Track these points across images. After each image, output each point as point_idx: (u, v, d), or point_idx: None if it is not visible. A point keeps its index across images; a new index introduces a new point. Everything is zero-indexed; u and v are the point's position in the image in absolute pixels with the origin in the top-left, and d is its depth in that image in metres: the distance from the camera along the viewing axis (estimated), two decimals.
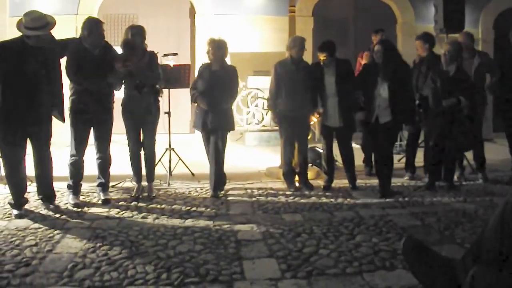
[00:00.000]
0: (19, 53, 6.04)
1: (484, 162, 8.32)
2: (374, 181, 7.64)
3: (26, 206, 6.45)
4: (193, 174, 8.42)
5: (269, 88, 7.90)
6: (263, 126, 12.41)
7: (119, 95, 7.09)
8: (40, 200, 6.69)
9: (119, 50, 7.05)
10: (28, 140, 6.35)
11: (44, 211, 6.45)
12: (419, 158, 8.49)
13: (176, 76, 8.48)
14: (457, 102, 7.24)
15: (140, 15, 12.93)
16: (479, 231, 3.37)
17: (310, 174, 8.19)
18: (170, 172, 8.29)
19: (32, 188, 6.97)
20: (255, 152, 11.11)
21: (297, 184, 7.77)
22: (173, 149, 8.52)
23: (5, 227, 5.79)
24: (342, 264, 4.64)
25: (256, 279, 4.33)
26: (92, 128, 6.83)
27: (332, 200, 7.06)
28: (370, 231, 5.63)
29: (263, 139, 12.08)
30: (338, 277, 4.38)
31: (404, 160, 8.84)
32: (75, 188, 6.84)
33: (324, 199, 7.09)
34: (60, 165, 7.04)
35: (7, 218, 6.15)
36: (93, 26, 6.66)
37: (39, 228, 5.76)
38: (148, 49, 7.16)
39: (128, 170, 7.47)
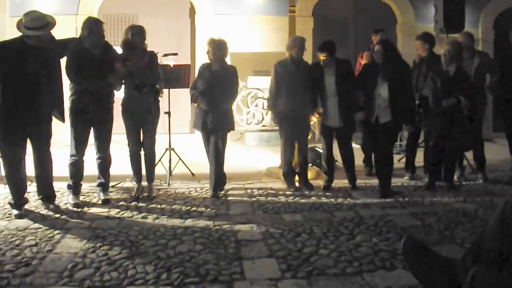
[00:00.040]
0: (19, 53, 6.04)
1: (484, 162, 8.32)
2: (374, 181, 7.64)
3: (26, 206, 6.45)
4: (193, 174, 8.42)
5: (269, 88, 7.90)
6: (263, 126, 12.41)
7: (119, 95, 7.08)
8: (40, 200, 6.69)
9: (119, 50, 7.05)
10: (28, 140, 6.35)
11: (44, 211, 6.45)
12: (419, 158, 8.49)
13: (176, 76, 8.48)
14: (457, 102, 7.24)
15: (140, 15, 12.93)
16: (479, 231, 3.37)
17: (310, 174, 8.19)
18: (170, 172, 8.29)
19: (32, 188, 6.97)
20: (255, 152, 11.12)
21: (297, 184, 7.77)
22: (173, 149, 8.52)
23: (5, 227, 5.79)
24: (342, 264, 4.64)
25: (256, 279, 4.33)
26: (92, 128, 6.83)
27: (332, 200, 7.06)
28: (370, 231, 5.63)
29: (263, 139, 12.08)
30: (338, 277, 4.38)
31: (404, 160, 8.84)
32: (75, 188, 6.84)
33: (324, 199, 7.09)
34: (60, 165, 7.04)
35: (7, 218, 6.15)
36: (93, 26, 6.66)
37: (39, 228, 5.76)
38: (148, 49, 7.16)
39: (128, 170, 7.47)
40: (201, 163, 7.89)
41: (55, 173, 6.74)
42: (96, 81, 6.60)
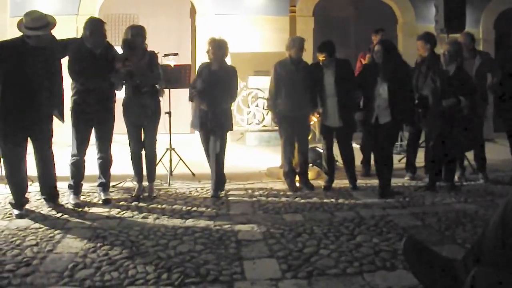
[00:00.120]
0: (20, 53, 6.04)
1: (484, 162, 8.32)
2: (375, 181, 7.64)
3: (27, 206, 6.44)
4: (193, 174, 8.42)
5: (269, 88, 7.91)
6: (264, 126, 12.42)
7: (120, 95, 7.08)
8: (44, 201, 6.70)
9: (119, 50, 7.05)
10: (29, 140, 6.35)
11: (45, 211, 6.45)
12: (420, 159, 8.49)
13: (177, 76, 8.49)
14: (457, 102, 7.24)
15: (140, 15, 12.94)
16: (480, 232, 3.37)
17: (311, 174, 8.20)
18: (171, 172, 8.29)
19: (32, 188, 6.98)
20: (255, 152, 11.12)
21: (297, 184, 7.77)
22: (173, 149, 8.53)
23: (6, 227, 5.80)
24: (343, 264, 4.64)
25: (257, 279, 4.33)
26: (93, 128, 6.83)
27: (332, 200, 7.05)
28: (370, 231, 5.63)
29: (264, 139, 12.08)
30: (339, 277, 4.38)
31: (404, 160, 8.84)
32: (76, 188, 6.84)
33: (324, 199, 7.09)
34: (61, 165, 7.04)
35: (8, 218, 6.15)
36: (95, 26, 6.67)
37: (40, 228, 5.77)
38: (149, 49, 7.16)
39: (129, 170, 7.48)
40: (202, 163, 7.89)
41: (56, 173, 6.74)
42: (98, 81, 6.61)
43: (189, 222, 6.01)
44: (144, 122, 7.07)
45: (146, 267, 4.57)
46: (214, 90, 7.11)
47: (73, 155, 6.80)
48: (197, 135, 7.81)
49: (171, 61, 8.49)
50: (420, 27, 12.71)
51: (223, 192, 7.40)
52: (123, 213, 6.40)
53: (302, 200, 7.05)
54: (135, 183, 7.34)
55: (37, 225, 5.88)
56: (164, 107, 7.63)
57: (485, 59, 8.38)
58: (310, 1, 13.52)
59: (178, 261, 4.71)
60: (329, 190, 7.61)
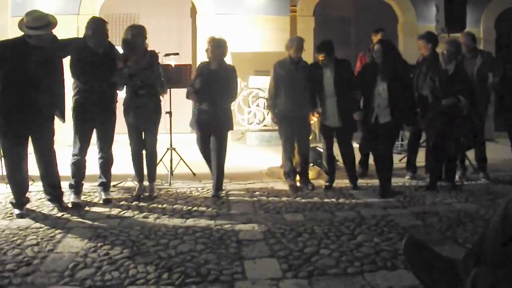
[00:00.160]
0: (21, 53, 6.04)
1: (485, 162, 8.32)
2: (375, 181, 7.63)
3: (28, 206, 6.44)
4: (194, 173, 8.42)
5: (269, 88, 7.91)
6: (264, 126, 12.41)
7: (121, 94, 7.08)
8: (45, 200, 6.70)
9: (120, 49, 7.05)
10: (31, 140, 6.36)
11: (46, 211, 6.45)
12: (421, 158, 8.49)
13: (177, 76, 8.48)
14: (457, 102, 7.24)
15: (141, 14, 12.95)
16: (481, 231, 3.36)
17: (311, 174, 8.20)
18: (171, 171, 8.29)
19: (33, 188, 6.98)
20: (256, 152, 11.12)
21: (298, 184, 7.76)
22: (174, 149, 8.54)
23: (7, 226, 5.80)
24: (343, 264, 4.64)
25: (257, 279, 4.33)
26: (94, 128, 6.83)
27: (333, 200, 7.05)
28: (371, 231, 5.62)
29: (264, 139, 12.08)
30: (339, 277, 4.38)
31: (405, 160, 8.83)
32: (76, 188, 6.84)
33: (325, 199, 7.09)
34: (62, 165, 7.04)
35: (9, 218, 6.16)
36: (97, 25, 6.67)
37: (41, 227, 5.77)
38: (149, 48, 7.15)
39: (130, 170, 7.48)
40: (202, 163, 7.86)
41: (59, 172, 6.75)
42: (100, 81, 6.61)
43: (190, 222, 6.01)
44: (141, 123, 7.06)
45: (146, 266, 4.57)
46: (213, 89, 7.10)
47: (74, 155, 6.80)
48: None
49: (172, 61, 8.49)
50: (421, 27, 12.73)
51: (223, 192, 7.39)
52: (124, 213, 6.40)
53: (303, 200, 7.05)
54: (136, 182, 7.33)
55: (37, 224, 5.88)
56: (165, 107, 7.62)
57: (487, 59, 8.38)
58: (311, 1, 13.53)
59: (178, 261, 4.71)
60: (330, 190, 7.61)
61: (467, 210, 6.51)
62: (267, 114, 12.18)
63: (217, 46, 7.21)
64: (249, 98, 12.41)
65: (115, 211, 6.47)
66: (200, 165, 7.99)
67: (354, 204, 6.85)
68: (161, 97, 7.28)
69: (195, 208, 6.59)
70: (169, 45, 11.20)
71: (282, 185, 7.86)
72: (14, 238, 5.34)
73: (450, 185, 7.61)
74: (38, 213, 6.35)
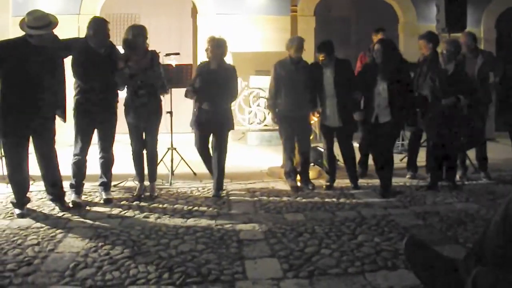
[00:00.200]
0: (22, 52, 6.04)
1: (486, 162, 8.32)
2: (376, 181, 7.62)
3: (29, 205, 6.44)
4: (195, 173, 8.42)
5: (269, 88, 7.91)
6: (265, 125, 12.40)
7: (122, 94, 7.09)
8: (47, 200, 6.70)
9: (121, 49, 7.05)
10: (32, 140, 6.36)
11: (46, 210, 6.45)
12: (421, 158, 8.49)
13: (178, 76, 8.48)
14: (457, 101, 7.24)
15: (142, 14, 12.95)
16: (482, 231, 3.36)
17: (312, 174, 8.20)
18: (172, 171, 8.29)
19: (34, 187, 6.98)
20: (257, 152, 11.12)
21: (298, 183, 7.76)
22: (175, 149, 8.53)
23: (7, 226, 5.80)
24: (344, 264, 4.64)
25: (258, 279, 4.33)
26: (95, 127, 6.83)
27: (334, 199, 7.05)
28: (372, 231, 5.62)
29: (265, 138, 12.07)
30: (340, 277, 4.38)
31: (406, 159, 8.83)
32: (77, 188, 6.84)
33: (326, 199, 7.08)
34: (63, 164, 7.03)
35: (9, 217, 6.16)
36: (98, 25, 6.67)
37: (41, 227, 5.77)
38: (150, 48, 7.15)
39: (130, 170, 7.47)
40: (203, 163, 7.87)
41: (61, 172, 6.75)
42: (101, 81, 6.61)
43: (191, 222, 6.01)
44: (142, 123, 7.06)
45: (147, 266, 4.57)
46: (213, 89, 7.10)
47: (75, 155, 6.80)
48: None
49: (173, 61, 8.48)
50: (422, 26, 12.71)
51: (224, 192, 7.39)
52: (125, 213, 6.40)
53: (304, 200, 7.05)
54: (137, 182, 7.34)
55: (38, 224, 5.88)
56: (165, 106, 7.62)
57: (487, 59, 8.37)
58: (311, 1, 13.52)
59: (179, 261, 4.72)
60: (331, 190, 7.60)
61: (468, 210, 6.51)
62: (268, 114, 12.17)
63: (217, 46, 7.21)
64: (250, 98, 12.39)
65: (116, 211, 6.47)
66: (201, 165, 7.97)
67: (355, 204, 6.85)
68: (161, 97, 7.28)
69: (195, 208, 6.59)
70: (170, 45, 11.19)
71: (282, 185, 7.86)
72: (15, 238, 5.35)
73: (451, 185, 7.60)
74: (39, 213, 6.35)
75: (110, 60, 6.75)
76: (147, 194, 7.18)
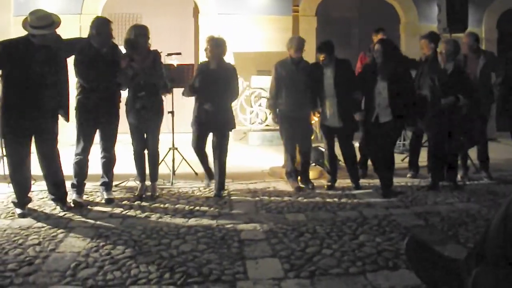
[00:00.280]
0: (24, 52, 6.04)
1: (488, 162, 8.32)
2: (377, 181, 7.61)
3: (30, 205, 6.44)
4: (196, 173, 8.41)
5: (270, 88, 7.92)
6: (267, 125, 12.40)
7: (125, 94, 7.08)
8: (49, 200, 6.70)
9: (123, 49, 7.05)
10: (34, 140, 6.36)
11: (48, 210, 6.46)
12: (423, 158, 8.49)
13: (180, 76, 8.47)
14: (456, 101, 7.24)
15: (144, 14, 12.94)
16: (483, 231, 3.36)
17: (313, 174, 8.20)
18: (174, 171, 8.29)
19: (35, 187, 6.98)
20: (258, 152, 11.11)
21: (300, 183, 7.76)
22: (176, 149, 8.53)
23: (8, 226, 5.80)
24: (345, 264, 4.65)
25: (259, 279, 4.33)
26: (97, 127, 6.84)
27: (335, 199, 7.05)
28: (373, 231, 5.63)
29: (267, 138, 12.07)
30: (341, 277, 4.38)
31: (407, 159, 8.83)
32: (78, 187, 6.85)
33: (327, 199, 7.08)
34: (64, 164, 7.04)
35: (10, 217, 6.16)
36: (101, 25, 6.68)
37: (42, 227, 5.77)
38: (152, 48, 7.15)
39: (132, 170, 7.47)
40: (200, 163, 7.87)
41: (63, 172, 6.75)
42: (104, 80, 6.61)
43: (192, 222, 6.02)
44: (143, 124, 7.06)
45: (148, 266, 4.58)
46: (213, 89, 7.11)
47: (76, 154, 6.80)
48: None
49: (174, 61, 8.47)
50: (423, 26, 12.71)
51: (225, 192, 7.39)
52: (126, 213, 6.40)
53: (305, 200, 7.05)
54: (138, 182, 7.34)
55: (39, 224, 5.88)
56: (167, 106, 7.62)
57: (489, 59, 8.37)
58: (313, 1, 13.50)
59: (180, 261, 4.72)
60: (332, 190, 7.60)
61: (469, 210, 6.51)
62: (269, 114, 12.17)
63: (216, 45, 7.21)
64: (251, 98, 12.40)
65: (117, 211, 6.47)
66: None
67: (356, 204, 6.85)
68: (163, 97, 7.28)
69: (197, 208, 6.59)
70: (171, 45, 11.15)
71: (284, 185, 7.86)
72: (16, 238, 5.35)
73: (452, 185, 7.61)
74: (40, 213, 6.36)
75: (112, 60, 6.75)
76: (149, 194, 7.18)
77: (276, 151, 10.28)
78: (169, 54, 8.44)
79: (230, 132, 7.45)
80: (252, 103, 12.43)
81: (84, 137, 6.74)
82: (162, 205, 6.74)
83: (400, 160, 9.30)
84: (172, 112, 8.29)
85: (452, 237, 5.45)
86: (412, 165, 8.52)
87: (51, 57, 6.22)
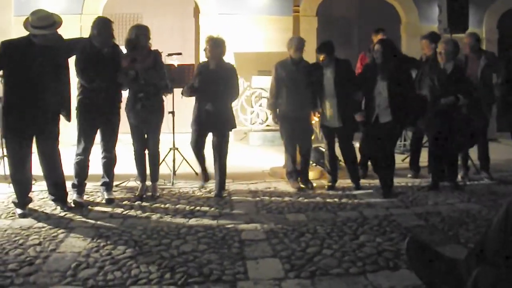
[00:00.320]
0: (26, 52, 6.05)
1: (488, 162, 8.32)
2: (378, 181, 7.62)
3: (30, 205, 6.44)
4: (197, 173, 8.40)
5: (270, 88, 7.92)
6: (267, 126, 12.40)
7: (126, 94, 7.09)
8: (49, 200, 6.70)
9: (123, 49, 7.05)
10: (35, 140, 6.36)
11: (48, 210, 6.46)
12: (424, 158, 8.48)
13: (180, 76, 8.48)
14: (455, 100, 7.24)
15: (144, 14, 12.93)
16: (483, 231, 3.36)
17: (314, 174, 8.21)
18: (174, 171, 8.29)
19: (36, 187, 6.98)
20: (259, 152, 11.11)
21: (300, 184, 7.76)
22: (177, 149, 8.53)
23: (9, 226, 5.80)
24: (346, 264, 4.65)
25: (260, 279, 4.33)
26: (99, 127, 6.84)
27: (336, 200, 7.05)
28: (374, 231, 5.62)
29: (267, 139, 12.07)
30: (342, 277, 4.38)
31: (408, 160, 8.83)
32: (79, 187, 6.85)
33: (328, 199, 7.08)
34: (65, 164, 7.04)
35: (11, 217, 6.16)
36: (103, 25, 6.67)
37: (43, 227, 5.77)
38: (152, 48, 7.15)
39: (132, 170, 7.47)
40: (205, 163, 7.87)
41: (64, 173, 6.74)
42: (105, 80, 6.61)
43: (192, 222, 6.02)
44: (144, 124, 7.06)
45: (149, 266, 4.58)
46: (213, 89, 7.11)
47: (77, 154, 6.80)
48: None
49: (175, 61, 8.48)
50: (424, 27, 12.71)
51: (226, 192, 7.39)
52: (126, 213, 6.41)
53: (305, 200, 7.05)
54: (139, 182, 7.34)
55: (40, 224, 5.88)
56: (167, 106, 7.62)
57: (491, 59, 8.37)
58: (314, 1, 13.49)
59: (181, 261, 4.72)
60: (333, 190, 7.60)
61: (469, 210, 6.51)
62: (270, 114, 12.18)
63: (215, 45, 7.20)
64: (252, 98, 12.40)
65: (117, 211, 6.47)
66: None
67: (356, 204, 6.85)
68: (164, 97, 7.28)
69: (197, 208, 6.60)
70: (172, 45, 11.16)
71: (284, 185, 7.86)
72: (16, 238, 5.35)
73: (453, 185, 7.60)
74: (41, 213, 6.36)
75: (113, 60, 6.75)
76: (149, 194, 7.18)
77: (276, 151, 10.28)
78: (169, 54, 8.44)
79: (230, 132, 7.45)
80: (253, 103, 12.43)
81: (85, 137, 6.75)
82: (162, 205, 6.74)
83: (401, 160, 9.30)
84: (172, 112, 8.29)
85: (452, 238, 5.45)
86: (412, 165, 8.51)
87: (53, 57, 6.22)
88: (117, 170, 7.25)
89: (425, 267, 3.45)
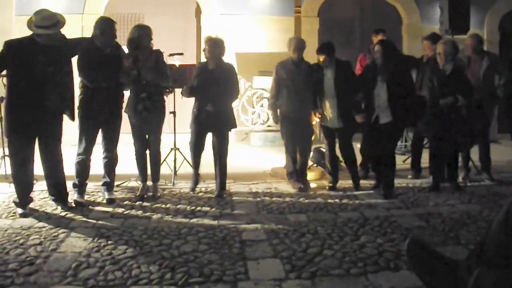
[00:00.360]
0: (29, 52, 6.05)
1: (489, 163, 8.31)
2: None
3: (31, 205, 6.45)
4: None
5: (270, 88, 7.92)
6: (268, 126, 12.38)
7: (127, 94, 7.09)
8: (50, 200, 6.70)
9: (125, 49, 7.05)
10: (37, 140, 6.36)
11: (49, 210, 6.46)
12: (425, 159, 8.47)
13: (182, 76, 8.47)
14: (455, 101, 7.24)
15: (146, 14, 12.93)
16: (484, 232, 3.36)
17: (315, 175, 8.21)
18: (175, 171, 8.28)
19: (36, 187, 6.98)
20: (260, 152, 11.09)
21: (301, 184, 7.76)
22: (178, 149, 8.53)
23: (10, 225, 5.81)
24: (347, 265, 4.64)
25: (261, 280, 4.33)
26: (100, 127, 6.84)
27: (336, 200, 7.05)
28: (374, 232, 5.62)
29: (268, 139, 12.06)
30: (343, 278, 4.38)
31: (409, 161, 8.83)
32: (80, 187, 6.85)
33: (328, 200, 7.08)
34: (66, 164, 7.04)
35: (12, 217, 6.17)
36: (105, 25, 6.69)
37: (44, 227, 5.78)
38: (154, 48, 7.15)
39: (133, 170, 7.47)
40: (206, 163, 7.87)
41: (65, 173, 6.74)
42: (107, 80, 6.61)
43: (193, 222, 6.02)
44: (145, 124, 7.06)
45: (149, 266, 4.58)
46: (212, 89, 7.11)
47: (79, 154, 6.80)
48: None
49: (176, 61, 8.48)
50: (425, 28, 12.72)
51: (227, 192, 7.39)
52: (127, 213, 6.41)
53: (306, 201, 7.05)
54: (139, 182, 7.34)
55: (40, 224, 5.89)
56: (169, 106, 7.62)
57: (493, 60, 8.37)
58: (315, 2, 13.50)
59: (181, 261, 4.72)
60: (333, 191, 7.60)
61: (470, 211, 6.51)
62: (271, 115, 12.18)
63: (214, 46, 7.20)
64: (253, 99, 12.39)
65: (118, 211, 6.47)
66: (204, 165, 7.98)
67: (357, 205, 6.85)
68: (165, 97, 7.29)
69: (198, 208, 6.60)
70: (174, 45, 11.15)
71: (285, 186, 7.86)
72: (17, 238, 5.35)
73: (453, 186, 7.60)
74: (41, 213, 6.36)
75: (116, 60, 6.75)
76: (150, 194, 7.19)
77: (277, 151, 10.27)
78: (171, 55, 8.44)
79: (230, 132, 7.45)
80: (254, 104, 12.41)
81: (87, 137, 6.75)
82: (163, 206, 6.75)
83: (402, 161, 9.29)
84: (173, 113, 8.29)
85: (453, 238, 5.45)
86: (413, 166, 8.51)
87: (56, 57, 6.22)
88: (118, 170, 7.25)
89: (426, 268, 3.45)
